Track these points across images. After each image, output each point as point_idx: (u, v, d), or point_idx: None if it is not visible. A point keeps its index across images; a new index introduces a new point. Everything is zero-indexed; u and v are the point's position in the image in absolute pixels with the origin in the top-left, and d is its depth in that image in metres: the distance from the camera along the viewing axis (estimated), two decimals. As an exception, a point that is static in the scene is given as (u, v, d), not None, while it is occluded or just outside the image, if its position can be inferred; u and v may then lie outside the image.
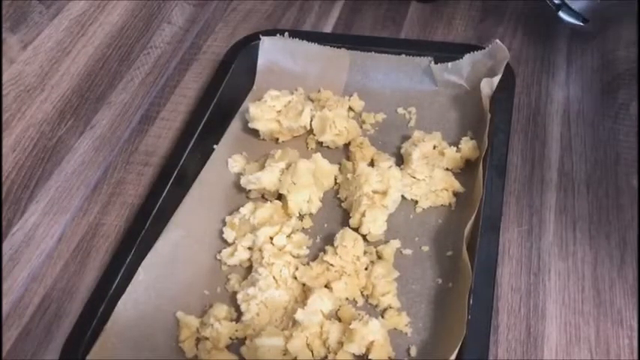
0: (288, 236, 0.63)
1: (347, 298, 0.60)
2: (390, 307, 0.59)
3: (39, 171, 0.65)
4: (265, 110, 0.73)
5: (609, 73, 0.75)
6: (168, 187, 0.67)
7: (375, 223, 0.62)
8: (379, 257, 0.62)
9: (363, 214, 0.63)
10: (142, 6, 0.78)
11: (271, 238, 0.63)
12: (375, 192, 0.64)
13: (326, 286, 0.60)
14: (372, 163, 0.68)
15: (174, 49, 0.86)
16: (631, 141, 0.68)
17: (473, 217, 0.59)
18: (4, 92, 0.59)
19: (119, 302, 0.59)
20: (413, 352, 0.56)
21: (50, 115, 0.65)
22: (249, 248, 0.63)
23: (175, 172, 0.68)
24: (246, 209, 0.66)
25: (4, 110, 0.59)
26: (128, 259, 0.61)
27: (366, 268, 0.61)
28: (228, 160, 0.71)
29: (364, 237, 0.63)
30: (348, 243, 0.61)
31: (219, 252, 0.64)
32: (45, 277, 0.65)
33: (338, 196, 0.68)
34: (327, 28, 0.87)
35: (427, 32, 0.84)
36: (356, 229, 0.63)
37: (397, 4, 0.88)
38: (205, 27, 0.90)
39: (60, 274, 0.65)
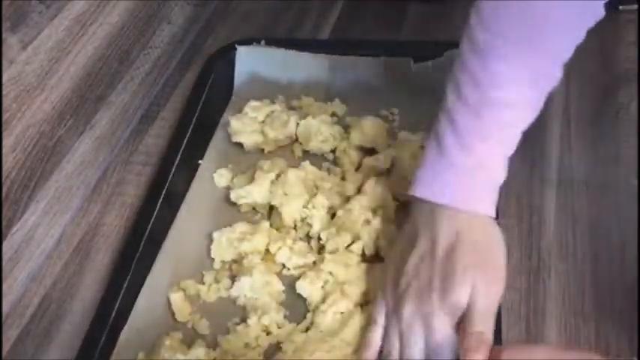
0: (290, 248, 0.62)
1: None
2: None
3: (39, 171, 0.65)
4: (247, 123, 0.72)
5: (609, 73, 0.75)
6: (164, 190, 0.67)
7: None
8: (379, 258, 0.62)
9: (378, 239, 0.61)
10: (142, 6, 0.77)
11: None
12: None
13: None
14: (358, 167, 0.68)
15: (174, 49, 0.86)
16: (631, 141, 0.68)
17: None
18: (4, 92, 0.59)
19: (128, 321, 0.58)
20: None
21: (50, 115, 0.65)
22: None
23: (164, 189, 0.67)
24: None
25: (4, 110, 0.59)
26: (129, 273, 0.61)
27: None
28: (214, 175, 0.70)
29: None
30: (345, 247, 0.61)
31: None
32: (45, 277, 0.65)
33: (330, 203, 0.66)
34: (327, 29, 0.87)
35: (427, 33, 0.84)
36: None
37: (397, 5, 0.88)
38: (205, 27, 0.90)
39: (60, 274, 0.65)
